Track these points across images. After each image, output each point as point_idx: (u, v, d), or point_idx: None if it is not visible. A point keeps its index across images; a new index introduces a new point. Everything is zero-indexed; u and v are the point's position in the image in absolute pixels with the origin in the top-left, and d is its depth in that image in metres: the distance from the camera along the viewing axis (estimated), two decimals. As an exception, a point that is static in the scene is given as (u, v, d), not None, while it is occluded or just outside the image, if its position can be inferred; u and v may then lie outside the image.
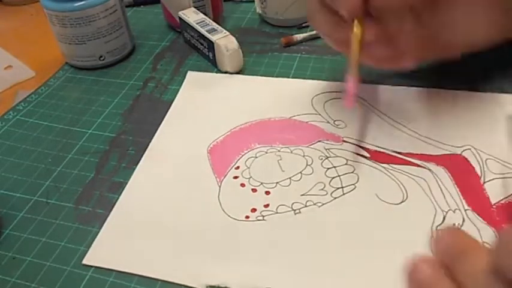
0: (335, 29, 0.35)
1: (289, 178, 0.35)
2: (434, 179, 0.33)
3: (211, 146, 0.38)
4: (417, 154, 0.35)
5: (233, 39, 0.45)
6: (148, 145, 0.39)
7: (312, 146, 0.37)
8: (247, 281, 0.28)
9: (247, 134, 0.38)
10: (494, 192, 0.32)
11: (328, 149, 0.37)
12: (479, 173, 0.33)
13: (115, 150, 0.39)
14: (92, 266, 0.30)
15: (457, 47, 0.35)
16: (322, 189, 0.34)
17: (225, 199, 0.33)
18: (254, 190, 0.34)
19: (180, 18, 0.49)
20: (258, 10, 0.54)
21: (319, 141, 0.37)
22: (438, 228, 0.30)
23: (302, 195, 0.33)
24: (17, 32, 0.58)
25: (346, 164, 0.35)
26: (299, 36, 0.49)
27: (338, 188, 0.33)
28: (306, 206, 0.33)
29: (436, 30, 0.34)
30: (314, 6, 0.35)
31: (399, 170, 0.34)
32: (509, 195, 0.32)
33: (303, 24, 0.52)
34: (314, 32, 0.50)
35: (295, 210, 0.32)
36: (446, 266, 0.21)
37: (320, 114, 0.40)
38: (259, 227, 0.31)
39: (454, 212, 0.31)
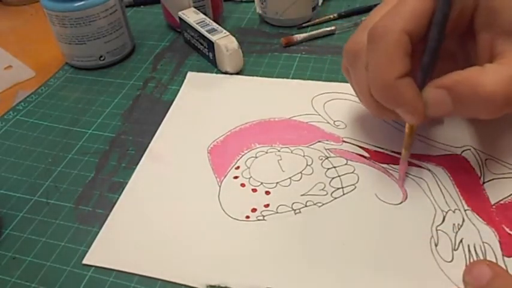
0: (382, 112, 0.32)
1: (290, 178, 0.35)
2: (434, 179, 0.33)
3: (211, 146, 0.38)
4: (417, 154, 0.35)
5: (233, 39, 0.45)
6: (148, 145, 0.39)
7: (312, 146, 0.37)
8: (247, 281, 0.28)
9: (247, 134, 0.38)
10: (494, 193, 0.32)
11: (328, 149, 0.37)
12: (478, 173, 0.33)
13: (115, 150, 0.39)
14: (92, 266, 0.30)
15: None
16: (322, 189, 0.34)
17: (225, 199, 0.33)
18: (254, 190, 0.34)
19: (180, 18, 0.49)
20: (258, 10, 0.54)
21: (319, 141, 0.37)
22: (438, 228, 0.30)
23: (302, 195, 0.33)
24: (17, 32, 0.58)
25: (346, 164, 0.35)
26: (299, 36, 0.49)
27: (338, 188, 0.34)
28: (306, 206, 0.33)
29: None
30: (359, 87, 0.32)
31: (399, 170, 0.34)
32: (508, 195, 0.32)
33: (303, 24, 0.52)
34: (314, 32, 0.50)
35: (295, 210, 0.32)
36: None
37: (320, 115, 0.40)
38: (259, 227, 0.32)
39: (453, 212, 0.31)
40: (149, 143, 0.39)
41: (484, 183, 0.33)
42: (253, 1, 0.57)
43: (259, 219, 0.32)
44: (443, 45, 0.28)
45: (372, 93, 0.30)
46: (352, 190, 0.33)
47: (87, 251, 0.31)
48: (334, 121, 0.39)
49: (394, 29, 0.27)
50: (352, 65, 0.32)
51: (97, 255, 0.31)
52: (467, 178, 0.33)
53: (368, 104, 0.32)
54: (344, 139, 0.37)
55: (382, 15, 0.29)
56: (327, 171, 0.35)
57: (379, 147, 0.36)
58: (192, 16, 0.48)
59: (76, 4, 0.44)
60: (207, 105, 0.42)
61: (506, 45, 0.27)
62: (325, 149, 0.37)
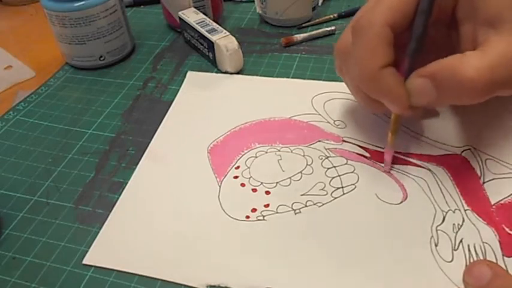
0: (373, 105, 0.33)
1: (290, 178, 0.35)
2: (434, 179, 0.33)
3: (211, 146, 0.38)
4: (417, 154, 0.35)
5: (233, 39, 0.45)
6: (148, 145, 0.39)
7: (312, 146, 0.37)
8: (247, 281, 0.28)
9: (247, 134, 0.38)
10: (494, 193, 0.32)
11: (328, 148, 0.37)
12: (479, 173, 0.33)
13: (115, 150, 0.39)
14: (92, 266, 0.30)
15: None
16: (322, 189, 0.34)
17: (225, 199, 0.33)
18: (254, 190, 0.34)
19: (180, 18, 0.49)
20: (258, 10, 0.54)
21: (319, 140, 0.37)
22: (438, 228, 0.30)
23: (302, 195, 0.33)
24: (17, 32, 0.58)
25: (346, 164, 0.35)
26: (299, 36, 0.49)
27: (338, 188, 0.34)
28: (306, 206, 0.33)
29: None
30: (351, 83, 0.34)
31: (399, 170, 0.34)
32: (508, 196, 0.32)
33: (303, 24, 0.52)
34: (314, 32, 0.50)
35: (295, 210, 0.32)
36: None
37: (320, 114, 0.40)
38: (259, 227, 0.31)
39: (453, 212, 0.31)
40: (149, 143, 0.39)
41: (484, 183, 0.33)
42: (253, 1, 0.57)
43: (259, 219, 0.32)
44: (428, 35, 0.29)
45: (358, 84, 0.31)
46: (352, 190, 0.33)
47: (87, 251, 0.31)
48: (334, 121, 0.39)
49: (375, 22, 0.29)
50: (343, 62, 0.33)
51: (97, 255, 0.31)
52: (467, 178, 0.33)
53: (360, 98, 0.33)
54: (344, 139, 0.37)
55: (365, 10, 0.30)
56: (327, 170, 0.35)
57: (379, 147, 0.36)
58: (192, 16, 0.48)
59: (76, 4, 0.44)
60: (207, 105, 0.42)
61: (487, 35, 0.28)
62: (325, 149, 0.37)
